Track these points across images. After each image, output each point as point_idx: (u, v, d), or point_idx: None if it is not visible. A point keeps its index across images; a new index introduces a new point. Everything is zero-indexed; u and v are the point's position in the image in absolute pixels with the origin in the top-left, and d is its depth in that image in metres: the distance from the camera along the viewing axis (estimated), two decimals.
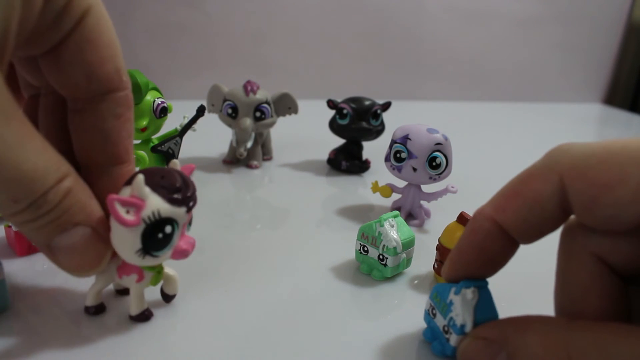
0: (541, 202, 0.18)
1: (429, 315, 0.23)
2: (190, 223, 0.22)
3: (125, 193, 0.20)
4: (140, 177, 0.20)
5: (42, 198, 0.18)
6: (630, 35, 0.96)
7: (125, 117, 0.22)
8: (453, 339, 0.21)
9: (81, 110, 0.21)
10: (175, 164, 0.23)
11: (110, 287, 0.25)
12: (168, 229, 0.20)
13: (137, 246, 0.20)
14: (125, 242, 0.20)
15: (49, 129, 0.23)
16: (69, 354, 0.21)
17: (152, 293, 0.25)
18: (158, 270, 0.23)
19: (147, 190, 0.20)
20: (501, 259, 0.20)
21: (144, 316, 0.24)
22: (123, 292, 0.25)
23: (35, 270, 0.27)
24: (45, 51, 0.20)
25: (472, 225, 0.21)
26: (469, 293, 0.20)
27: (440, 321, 0.22)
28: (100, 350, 0.22)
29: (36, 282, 0.26)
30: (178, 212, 0.20)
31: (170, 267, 0.24)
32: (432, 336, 0.23)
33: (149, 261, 0.21)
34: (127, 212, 0.19)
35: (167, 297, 0.25)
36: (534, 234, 0.19)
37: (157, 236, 0.20)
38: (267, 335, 0.24)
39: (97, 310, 0.24)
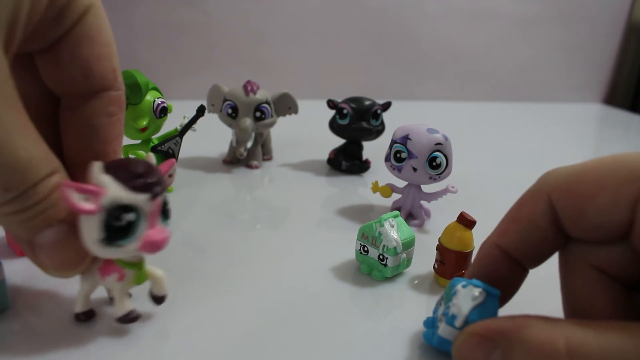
0: (535, 221, 0.20)
1: (437, 305, 0.23)
2: (166, 215, 0.21)
3: None
4: (98, 164, 0.19)
5: (33, 189, 0.18)
6: (630, 35, 0.96)
7: (116, 117, 0.23)
8: (442, 327, 0.21)
9: (74, 107, 0.22)
10: (150, 157, 0.22)
11: (105, 294, 0.25)
12: (130, 216, 0.19)
13: (99, 235, 0.19)
14: (87, 231, 0.19)
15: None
16: (68, 353, 0.21)
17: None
18: (139, 267, 0.22)
19: (106, 177, 0.19)
20: (510, 285, 0.22)
21: (130, 318, 0.23)
22: None
23: (35, 270, 0.27)
24: (44, 47, 0.20)
25: (479, 253, 0.22)
26: (476, 291, 0.20)
27: (440, 310, 0.22)
28: (101, 352, 0.22)
29: (36, 282, 0.26)
30: (140, 198, 0.20)
31: (158, 268, 0.23)
32: (430, 326, 0.23)
33: (114, 252, 0.20)
34: (87, 200, 0.19)
35: (157, 299, 0.24)
36: (536, 255, 0.21)
37: (118, 224, 0.19)
38: (267, 335, 0.24)
39: (87, 316, 0.23)
